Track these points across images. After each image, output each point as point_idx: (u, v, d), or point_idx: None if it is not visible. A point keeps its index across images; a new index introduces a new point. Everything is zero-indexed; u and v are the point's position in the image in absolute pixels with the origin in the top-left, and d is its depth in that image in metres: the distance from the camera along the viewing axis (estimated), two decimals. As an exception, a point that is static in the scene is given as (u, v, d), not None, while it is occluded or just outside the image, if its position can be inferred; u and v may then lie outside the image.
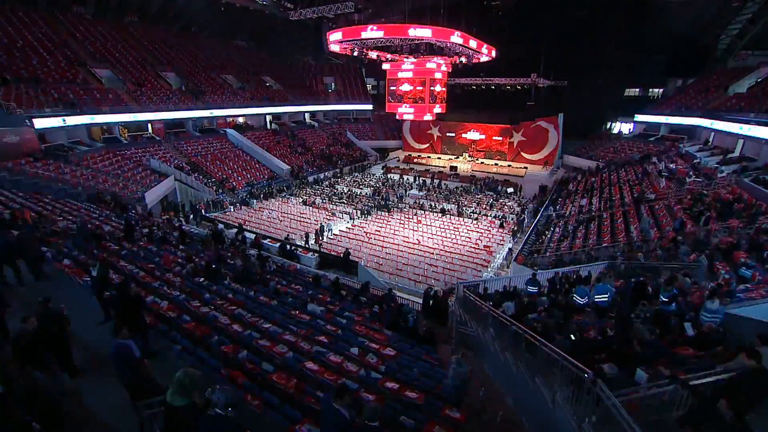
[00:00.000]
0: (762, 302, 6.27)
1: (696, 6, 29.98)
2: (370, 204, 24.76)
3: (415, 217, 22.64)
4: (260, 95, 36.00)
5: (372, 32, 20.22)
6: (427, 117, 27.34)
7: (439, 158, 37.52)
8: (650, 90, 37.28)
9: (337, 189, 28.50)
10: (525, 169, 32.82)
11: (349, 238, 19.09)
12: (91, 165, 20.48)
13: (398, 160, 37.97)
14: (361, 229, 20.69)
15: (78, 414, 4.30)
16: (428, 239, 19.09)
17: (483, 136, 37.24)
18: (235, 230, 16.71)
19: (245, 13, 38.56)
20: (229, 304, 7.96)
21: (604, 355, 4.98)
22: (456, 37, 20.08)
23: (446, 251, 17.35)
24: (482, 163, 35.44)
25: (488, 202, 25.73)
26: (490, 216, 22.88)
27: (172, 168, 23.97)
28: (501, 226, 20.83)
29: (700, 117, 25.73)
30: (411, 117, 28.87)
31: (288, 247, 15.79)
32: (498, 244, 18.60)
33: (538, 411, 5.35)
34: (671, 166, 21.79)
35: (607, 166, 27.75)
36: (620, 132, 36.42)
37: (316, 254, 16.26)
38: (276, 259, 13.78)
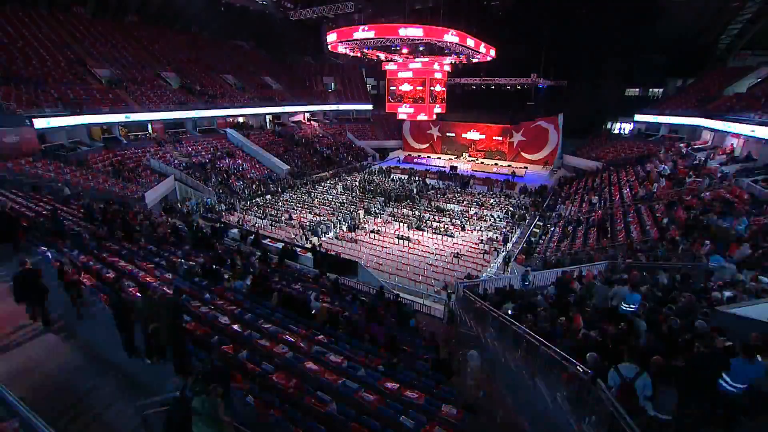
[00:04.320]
0: (762, 302, 6.26)
1: (696, 6, 29.97)
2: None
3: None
4: (260, 95, 35.99)
5: (364, 33, 20.43)
6: (422, 117, 27.28)
7: (439, 158, 37.52)
8: (650, 90, 37.24)
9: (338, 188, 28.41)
10: (525, 169, 32.81)
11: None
12: (92, 165, 20.48)
13: (398, 160, 37.96)
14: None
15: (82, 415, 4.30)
16: (428, 239, 19.07)
17: (483, 136, 37.26)
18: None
19: (245, 13, 38.57)
20: (229, 304, 7.95)
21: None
22: (450, 36, 20.07)
23: (446, 251, 17.33)
24: (482, 162, 35.45)
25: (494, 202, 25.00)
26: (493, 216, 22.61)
27: (172, 168, 23.97)
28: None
29: (700, 117, 25.70)
30: (411, 117, 28.83)
31: (288, 246, 15.76)
32: (496, 241, 18.57)
33: (538, 411, 5.35)
34: (671, 165, 21.73)
35: (606, 166, 27.72)
36: (620, 132, 36.39)
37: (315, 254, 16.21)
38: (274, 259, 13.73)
